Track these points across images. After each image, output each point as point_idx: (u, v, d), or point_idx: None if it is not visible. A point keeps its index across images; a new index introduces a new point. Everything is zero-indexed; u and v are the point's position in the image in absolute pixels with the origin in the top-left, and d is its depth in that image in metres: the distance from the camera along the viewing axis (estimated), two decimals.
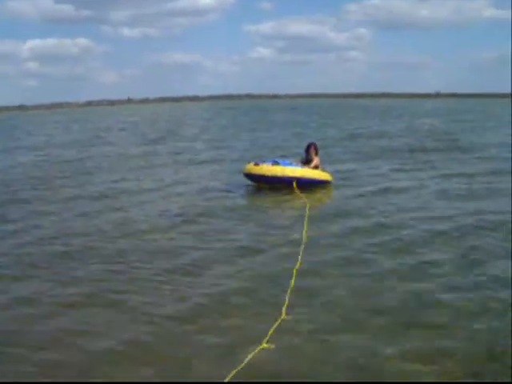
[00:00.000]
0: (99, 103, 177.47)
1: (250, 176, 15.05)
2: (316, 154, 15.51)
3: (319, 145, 16.42)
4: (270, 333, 6.09)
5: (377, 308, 6.98)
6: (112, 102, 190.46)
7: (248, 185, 15.34)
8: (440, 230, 10.72)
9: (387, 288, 7.70)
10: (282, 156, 18.34)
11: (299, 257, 8.87)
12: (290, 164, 15.08)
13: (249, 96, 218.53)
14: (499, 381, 5.02)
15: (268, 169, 14.60)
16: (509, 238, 10.03)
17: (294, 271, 8.15)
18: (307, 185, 14.64)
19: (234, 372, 5.27)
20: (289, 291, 7.37)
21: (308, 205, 12.78)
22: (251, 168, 14.86)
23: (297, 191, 14.20)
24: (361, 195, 14.32)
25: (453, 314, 6.79)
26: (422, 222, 11.28)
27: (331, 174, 15.60)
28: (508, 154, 22.62)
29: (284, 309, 6.77)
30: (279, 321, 6.43)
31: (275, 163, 14.91)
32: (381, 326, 6.47)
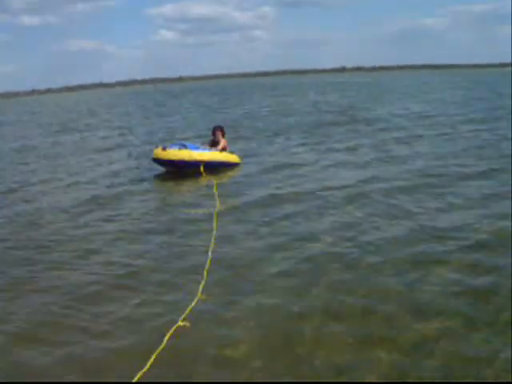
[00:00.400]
0: (2, 95, 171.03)
1: (158, 161, 15.04)
2: (223, 135, 15.73)
3: (226, 125, 16.69)
4: (187, 311, 6.28)
5: (282, 272, 7.53)
6: (16, 94, 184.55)
7: (156, 169, 15.36)
8: (333, 200, 11.35)
9: (289, 256, 8.18)
10: (187, 139, 18.43)
11: (212, 234, 9.12)
12: (198, 148, 15.17)
13: (154, 80, 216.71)
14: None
15: (175, 153, 14.61)
16: (396, 202, 10.86)
17: (210, 246, 8.42)
18: (215, 167, 14.86)
19: (154, 355, 5.41)
20: (205, 269, 7.58)
21: (215, 183, 13.14)
22: (159, 153, 14.81)
23: (204, 174, 14.37)
24: (265, 171, 14.87)
25: (341, 276, 7.37)
26: (320, 192, 11.99)
27: (239, 155, 15.89)
28: (408, 122, 24.24)
29: (200, 286, 6.97)
30: (196, 299, 6.61)
31: (183, 147, 14.91)
32: (287, 287, 7.01)
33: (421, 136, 19.95)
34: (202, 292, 6.83)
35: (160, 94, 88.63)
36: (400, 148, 17.50)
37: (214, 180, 13.55)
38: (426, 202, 10.81)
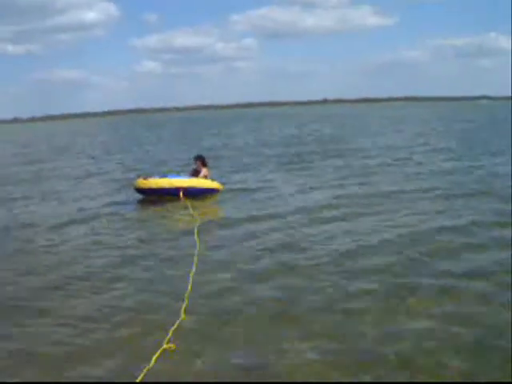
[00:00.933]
0: None
1: (139, 190, 15.42)
2: (203, 165, 16.03)
3: (206, 155, 17.17)
4: (170, 333, 6.32)
5: (256, 301, 7.58)
6: None
7: (137, 197, 15.66)
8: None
9: (270, 275, 8.58)
10: (169, 169, 18.88)
11: (194, 259, 9.29)
12: (178, 176, 15.72)
13: (137, 110, 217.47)
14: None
15: (156, 182, 15.07)
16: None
17: (191, 274, 8.50)
18: (196, 194, 15.16)
19: (141, 375, 5.49)
20: (187, 293, 7.67)
21: (191, 209, 13.59)
22: (140, 183, 15.27)
23: (183, 199, 14.71)
24: (242, 197, 15.54)
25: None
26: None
27: (221, 182, 16.21)
28: (382, 153, 25.32)
29: (183, 310, 7.03)
30: (178, 322, 6.67)
31: (163, 177, 15.49)
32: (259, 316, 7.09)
33: (390, 164, 21.33)
34: (185, 315, 6.90)
35: (143, 124, 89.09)
36: (370, 177, 18.34)
37: (190, 207, 13.79)
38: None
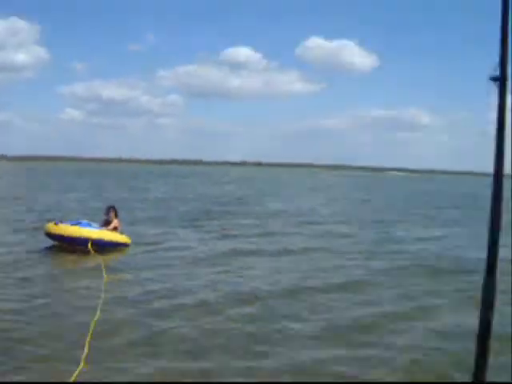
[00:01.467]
0: None
1: (49, 235, 15.64)
2: (115, 216, 16.50)
3: (120, 207, 17.80)
4: (71, 380, 6.54)
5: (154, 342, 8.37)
6: None
7: (48, 243, 15.83)
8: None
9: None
10: (81, 217, 19.27)
11: (97, 310, 9.41)
12: (89, 225, 15.84)
13: (59, 158, 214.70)
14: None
15: (65, 229, 15.30)
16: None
17: (93, 322, 8.70)
18: (105, 246, 15.47)
19: None
20: (87, 341, 7.85)
21: (103, 263, 13.46)
22: (51, 227, 15.52)
23: (92, 251, 14.92)
24: (149, 251, 16.09)
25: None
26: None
27: (129, 236, 16.55)
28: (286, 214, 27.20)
29: (83, 357, 7.20)
30: (79, 369, 6.86)
31: (76, 224, 15.66)
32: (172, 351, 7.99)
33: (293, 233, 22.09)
34: (86, 362, 7.08)
35: (62, 172, 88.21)
36: (266, 237, 19.87)
37: (101, 261, 13.76)
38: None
